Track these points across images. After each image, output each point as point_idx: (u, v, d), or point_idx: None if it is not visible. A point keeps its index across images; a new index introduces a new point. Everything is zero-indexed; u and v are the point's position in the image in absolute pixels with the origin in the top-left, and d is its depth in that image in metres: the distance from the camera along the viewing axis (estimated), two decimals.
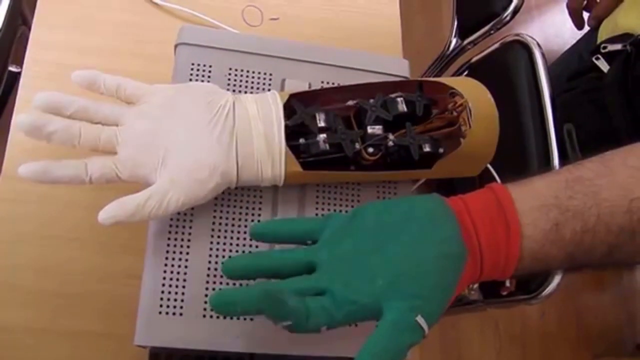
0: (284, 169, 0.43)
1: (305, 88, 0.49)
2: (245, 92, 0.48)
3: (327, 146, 0.43)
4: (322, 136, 0.43)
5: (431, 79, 0.49)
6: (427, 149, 0.45)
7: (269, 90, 0.48)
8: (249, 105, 0.43)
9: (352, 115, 0.46)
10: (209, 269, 0.42)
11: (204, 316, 0.41)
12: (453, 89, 0.46)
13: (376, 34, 0.70)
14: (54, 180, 0.40)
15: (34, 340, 0.48)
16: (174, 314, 0.40)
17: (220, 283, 0.42)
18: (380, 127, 0.45)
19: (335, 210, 0.46)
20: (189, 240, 0.42)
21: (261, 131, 0.42)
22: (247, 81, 0.48)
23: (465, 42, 0.93)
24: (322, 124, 0.44)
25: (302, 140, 0.44)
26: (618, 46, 0.84)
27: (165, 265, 0.41)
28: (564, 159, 0.74)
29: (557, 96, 0.79)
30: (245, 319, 0.41)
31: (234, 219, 0.44)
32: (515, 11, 0.84)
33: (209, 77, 0.47)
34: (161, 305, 0.40)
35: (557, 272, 0.69)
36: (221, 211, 0.44)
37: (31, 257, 0.51)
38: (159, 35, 0.60)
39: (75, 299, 0.50)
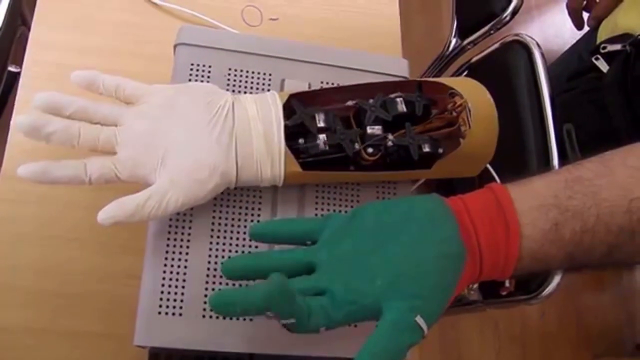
0: (283, 169, 0.43)
1: (305, 88, 0.49)
2: (245, 93, 0.48)
3: (327, 146, 0.43)
4: (322, 136, 0.43)
5: (431, 79, 0.49)
6: (426, 149, 0.45)
7: (268, 90, 0.48)
8: (248, 106, 0.43)
9: (351, 116, 0.46)
10: (208, 269, 0.42)
11: (204, 316, 0.41)
12: (452, 89, 0.46)
13: (376, 34, 0.70)
14: (54, 181, 0.40)
15: (34, 340, 0.49)
16: (173, 314, 0.40)
17: (220, 283, 0.42)
18: (379, 127, 0.45)
19: (334, 211, 0.46)
20: (188, 241, 0.42)
21: (260, 131, 0.42)
22: (246, 81, 0.48)
23: (465, 42, 0.93)
24: (321, 124, 0.44)
25: (301, 141, 0.44)
26: (618, 46, 0.84)
27: (165, 265, 0.41)
28: (564, 159, 0.74)
29: (556, 96, 0.79)
30: (244, 319, 0.41)
31: (233, 219, 0.44)
32: (515, 11, 0.84)
33: (208, 77, 0.47)
34: (161, 306, 0.40)
35: (556, 272, 0.69)
36: (220, 211, 0.44)
37: (31, 258, 0.51)
38: (159, 35, 0.60)
39: (75, 299, 0.50)
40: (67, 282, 0.50)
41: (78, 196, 0.53)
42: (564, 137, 0.78)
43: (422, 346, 0.39)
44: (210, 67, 0.48)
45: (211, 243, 0.43)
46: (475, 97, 0.46)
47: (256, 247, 0.43)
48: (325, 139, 0.43)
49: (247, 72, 0.48)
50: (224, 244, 0.43)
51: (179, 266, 0.42)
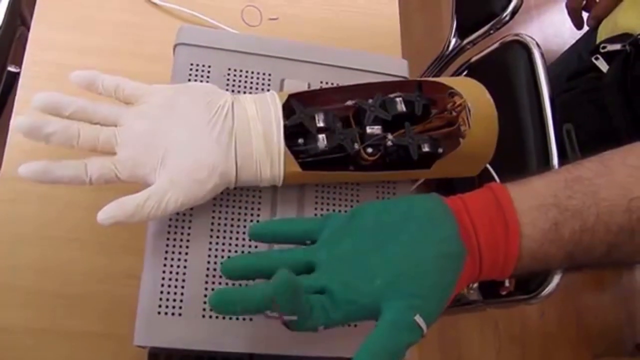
0: (282, 169, 0.43)
1: (305, 88, 0.49)
2: (244, 93, 0.48)
3: (326, 146, 0.43)
4: (321, 136, 0.43)
5: (430, 79, 0.49)
6: (426, 149, 0.45)
7: (268, 90, 0.48)
8: (247, 106, 0.43)
9: (351, 116, 0.46)
10: (208, 269, 0.42)
11: (203, 316, 0.41)
12: (452, 88, 0.46)
13: (376, 34, 0.70)
14: (54, 181, 0.40)
15: (34, 340, 0.49)
16: (173, 314, 0.40)
17: (220, 283, 0.42)
18: (379, 127, 0.45)
19: (334, 210, 0.46)
20: (188, 241, 0.42)
21: (260, 131, 0.42)
22: (246, 81, 0.48)
23: (465, 42, 0.93)
24: (321, 124, 0.44)
25: (301, 141, 0.44)
26: (617, 46, 0.84)
27: (165, 265, 0.41)
28: (564, 159, 0.74)
29: (556, 96, 0.79)
30: (244, 319, 0.41)
31: (233, 219, 0.44)
32: (515, 11, 0.84)
33: (207, 77, 0.47)
34: (160, 306, 0.40)
35: (556, 271, 0.69)
36: (220, 211, 0.44)
37: (31, 258, 0.51)
38: (159, 35, 0.60)
39: (76, 300, 0.50)
40: (67, 282, 0.50)
41: (78, 196, 0.53)
42: (564, 137, 0.78)
43: (421, 346, 0.39)
44: (209, 67, 0.48)
45: (211, 243, 0.43)
46: (475, 96, 0.46)
47: (256, 247, 0.43)
48: (325, 139, 0.43)
49: (247, 72, 0.48)
50: (223, 244, 0.43)
51: (178, 266, 0.42)
